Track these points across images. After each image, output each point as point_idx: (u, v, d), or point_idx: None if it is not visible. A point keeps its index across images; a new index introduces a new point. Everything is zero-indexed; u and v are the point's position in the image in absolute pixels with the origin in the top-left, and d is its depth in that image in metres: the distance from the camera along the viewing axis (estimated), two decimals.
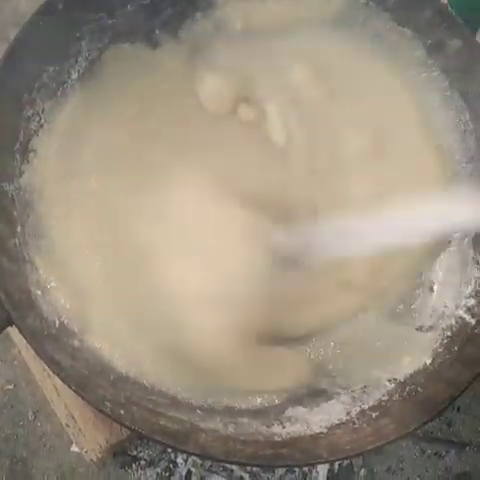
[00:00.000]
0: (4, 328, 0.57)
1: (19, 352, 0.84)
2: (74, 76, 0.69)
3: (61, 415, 0.75)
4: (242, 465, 0.56)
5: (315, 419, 0.61)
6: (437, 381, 0.63)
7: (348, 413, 0.62)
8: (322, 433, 0.60)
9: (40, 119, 0.67)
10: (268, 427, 0.60)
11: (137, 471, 0.83)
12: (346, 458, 0.60)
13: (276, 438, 0.59)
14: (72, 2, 0.67)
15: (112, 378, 0.60)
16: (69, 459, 0.83)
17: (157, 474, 0.83)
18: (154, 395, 0.60)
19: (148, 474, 0.84)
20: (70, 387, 0.55)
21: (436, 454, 0.90)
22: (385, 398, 0.63)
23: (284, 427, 0.60)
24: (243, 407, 0.63)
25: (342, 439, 0.59)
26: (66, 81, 0.69)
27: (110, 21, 0.70)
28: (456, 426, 0.92)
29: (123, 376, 0.61)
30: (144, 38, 0.73)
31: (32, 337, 0.56)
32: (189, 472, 0.83)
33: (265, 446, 0.58)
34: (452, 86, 0.72)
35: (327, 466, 0.83)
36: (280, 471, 0.82)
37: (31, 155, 0.65)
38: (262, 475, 0.82)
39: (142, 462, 0.84)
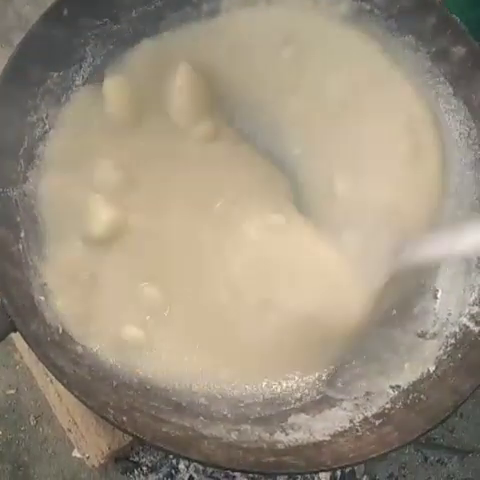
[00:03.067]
0: (7, 334, 0.57)
1: (21, 357, 0.84)
2: (78, 82, 0.69)
3: (63, 421, 0.75)
4: (245, 473, 0.56)
5: (318, 426, 0.61)
6: (441, 389, 0.62)
7: (351, 421, 0.61)
8: (325, 441, 0.59)
9: (44, 125, 0.67)
10: (271, 434, 0.60)
11: (139, 477, 0.83)
12: (349, 466, 0.60)
13: (279, 446, 0.59)
14: (77, 8, 0.67)
15: (115, 384, 0.60)
16: (71, 464, 0.83)
17: None
18: (157, 401, 0.60)
19: None
20: (73, 393, 0.55)
21: (439, 461, 0.90)
22: (388, 406, 0.62)
23: (287, 434, 0.60)
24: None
25: (345, 447, 0.59)
26: (70, 87, 0.69)
27: (115, 27, 0.70)
28: (459, 433, 0.91)
29: (126, 382, 0.60)
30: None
31: (35, 343, 0.56)
32: (191, 478, 0.83)
33: (268, 454, 0.57)
34: (456, 93, 0.72)
35: (329, 473, 0.83)
36: (282, 477, 0.82)
37: (36, 161, 0.66)
38: None
39: (144, 468, 0.84)
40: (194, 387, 0.63)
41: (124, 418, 0.55)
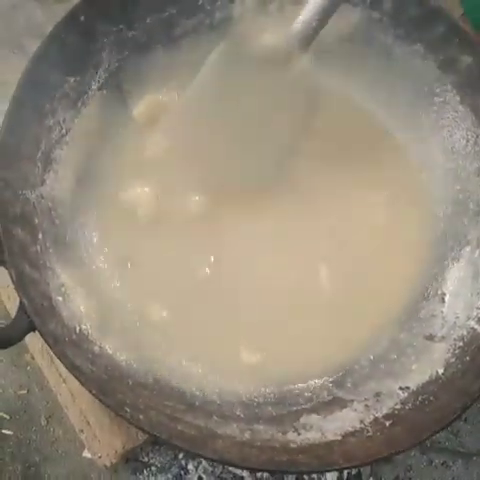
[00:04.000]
0: (27, 333, 0.58)
1: (32, 358, 0.84)
2: (94, 87, 0.71)
3: (75, 421, 0.75)
4: (258, 471, 0.57)
5: (329, 427, 0.62)
6: (449, 391, 0.63)
7: (362, 421, 0.62)
8: (337, 441, 0.60)
9: (61, 129, 0.68)
10: (283, 434, 0.61)
11: (148, 477, 0.84)
12: (361, 465, 0.61)
13: (291, 445, 0.60)
14: (93, 15, 0.69)
15: (130, 383, 0.61)
16: (81, 465, 0.83)
17: None
18: (171, 401, 0.61)
19: None
20: (90, 392, 0.56)
21: (443, 464, 0.91)
22: (398, 407, 0.63)
23: (299, 434, 0.61)
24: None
25: (356, 447, 0.60)
26: (87, 91, 0.70)
27: (130, 33, 0.72)
28: (463, 436, 0.92)
29: (141, 382, 0.62)
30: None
31: (54, 343, 0.57)
32: (200, 478, 0.84)
33: (281, 452, 0.58)
34: (463, 101, 0.73)
35: (336, 474, 0.84)
36: (289, 477, 0.83)
37: (53, 164, 0.67)
38: None
39: (153, 468, 0.84)
40: (208, 386, 0.64)
41: (141, 416, 0.56)
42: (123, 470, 0.83)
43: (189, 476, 0.84)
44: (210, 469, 0.84)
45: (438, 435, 0.91)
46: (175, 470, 0.84)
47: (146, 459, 0.84)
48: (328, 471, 0.60)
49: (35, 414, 0.85)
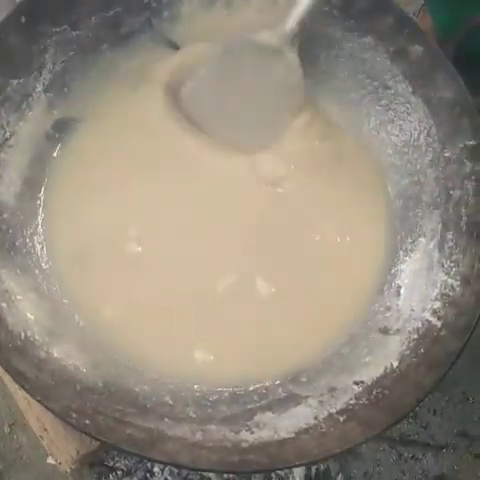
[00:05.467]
0: None
1: None
2: (39, 89, 0.70)
3: (35, 427, 0.74)
4: (209, 472, 0.56)
5: (283, 424, 0.61)
6: (404, 384, 0.63)
7: (316, 417, 0.62)
8: (289, 438, 0.60)
9: (5, 132, 0.67)
10: (236, 433, 0.60)
11: None
12: (313, 462, 0.60)
13: (243, 444, 0.59)
14: (35, 15, 0.68)
15: (78, 388, 0.60)
16: (45, 471, 0.83)
17: None
18: (121, 404, 0.60)
19: None
20: (35, 398, 0.55)
21: (413, 457, 0.91)
22: (352, 402, 0.63)
23: (252, 433, 0.60)
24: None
25: (309, 443, 0.59)
26: (31, 94, 0.69)
27: (74, 33, 0.71)
28: (432, 429, 0.92)
29: (90, 386, 0.61)
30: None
31: None
32: None
33: (232, 452, 0.58)
34: (415, 92, 0.73)
35: (304, 471, 0.84)
36: (258, 476, 0.83)
37: None
38: None
39: (119, 472, 0.84)
40: (161, 386, 0.64)
41: (87, 421, 0.56)
42: (88, 475, 0.83)
43: (155, 479, 0.84)
44: (176, 471, 0.84)
45: (407, 428, 0.91)
46: (141, 473, 0.84)
47: (111, 463, 0.84)
48: (280, 469, 0.59)
49: None
